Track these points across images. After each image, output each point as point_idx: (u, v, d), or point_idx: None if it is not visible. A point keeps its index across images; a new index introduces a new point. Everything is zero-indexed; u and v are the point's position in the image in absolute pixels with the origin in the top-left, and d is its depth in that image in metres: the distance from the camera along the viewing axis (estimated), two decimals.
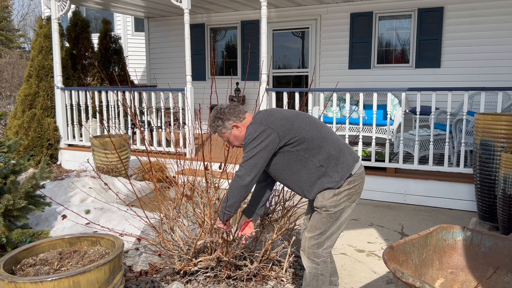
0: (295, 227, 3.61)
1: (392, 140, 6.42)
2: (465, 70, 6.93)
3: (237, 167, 4.26)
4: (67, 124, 7.36)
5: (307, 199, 2.64)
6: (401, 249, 2.08)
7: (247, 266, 3.02)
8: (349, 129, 6.57)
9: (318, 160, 2.40)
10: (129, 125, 7.19)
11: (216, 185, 3.45)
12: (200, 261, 3.08)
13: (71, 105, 7.30)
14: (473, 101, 6.32)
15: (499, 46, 6.68)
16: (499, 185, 3.93)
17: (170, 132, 6.96)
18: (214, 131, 2.58)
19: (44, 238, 3.37)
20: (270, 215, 3.23)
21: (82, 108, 7.15)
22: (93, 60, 8.61)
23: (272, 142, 2.37)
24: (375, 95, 5.30)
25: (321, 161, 2.40)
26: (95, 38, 9.13)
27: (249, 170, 2.39)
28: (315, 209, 2.49)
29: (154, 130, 6.58)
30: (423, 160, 5.67)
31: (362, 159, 5.47)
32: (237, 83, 8.66)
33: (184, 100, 6.45)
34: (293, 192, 3.42)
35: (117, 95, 6.95)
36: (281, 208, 3.30)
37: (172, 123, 6.63)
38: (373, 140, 5.39)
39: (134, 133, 7.47)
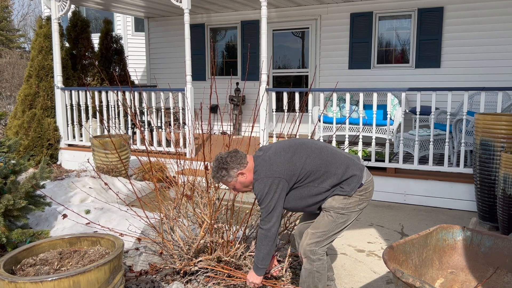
0: (295, 227, 3.61)
1: (392, 140, 6.42)
2: (465, 70, 6.93)
3: None
4: (67, 124, 7.36)
5: None
6: (401, 249, 2.08)
7: (247, 266, 3.02)
8: (349, 129, 6.57)
9: (328, 184, 2.48)
10: (129, 125, 7.19)
11: (216, 185, 3.45)
12: (200, 261, 3.08)
13: (71, 105, 7.30)
14: (473, 101, 6.32)
15: (499, 46, 6.68)
16: (499, 185, 3.93)
17: (170, 132, 6.96)
18: (219, 181, 2.57)
19: (44, 238, 3.37)
20: None
21: (82, 108, 7.15)
22: (93, 60, 8.61)
23: (283, 189, 2.44)
24: (375, 95, 5.30)
25: (331, 184, 2.49)
26: (95, 38, 9.13)
27: (272, 221, 2.45)
28: (323, 210, 2.54)
29: (154, 130, 6.58)
30: (423, 160, 5.67)
31: (362, 159, 5.46)
32: (237, 83, 8.65)
33: (184, 100, 6.45)
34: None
35: (117, 95, 6.95)
36: None
37: (172, 123, 6.64)
38: (373, 140, 5.39)
39: (134, 133, 7.47)
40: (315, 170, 2.46)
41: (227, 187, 2.68)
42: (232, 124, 8.71)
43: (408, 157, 5.87)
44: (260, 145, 5.90)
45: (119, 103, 6.95)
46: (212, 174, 2.58)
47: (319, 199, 2.52)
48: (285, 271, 3.25)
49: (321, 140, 5.89)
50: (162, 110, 6.79)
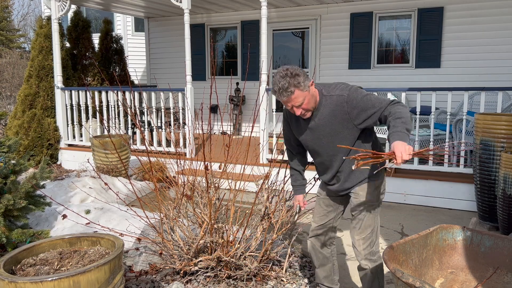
0: (295, 227, 3.61)
1: None
2: (465, 70, 6.93)
3: (237, 167, 4.25)
4: (67, 124, 7.36)
5: (331, 192, 2.57)
6: (401, 249, 2.08)
7: (247, 266, 3.02)
8: None
9: (375, 144, 2.42)
10: (129, 125, 7.19)
11: (216, 185, 3.45)
12: (200, 261, 3.08)
13: (71, 105, 7.30)
14: (473, 101, 6.32)
15: (499, 46, 6.68)
16: (499, 185, 3.93)
17: (170, 132, 6.96)
18: (292, 92, 2.16)
19: (44, 238, 3.37)
20: (270, 215, 3.23)
21: (82, 108, 7.15)
22: (94, 60, 8.61)
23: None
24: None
25: (375, 146, 2.41)
26: (95, 38, 9.13)
27: (394, 100, 2.22)
28: (358, 208, 2.42)
29: (154, 130, 6.58)
30: (423, 160, 5.67)
31: None
32: (237, 83, 8.65)
33: (184, 100, 6.45)
34: (293, 192, 3.42)
35: (117, 95, 6.95)
36: (281, 208, 3.30)
37: (172, 123, 6.63)
38: None
39: (134, 133, 7.47)
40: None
41: (227, 187, 2.67)
42: (232, 124, 8.72)
43: None
44: (260, 145, 5.90)
45: (119, 103, 6.95)
46: (282, 85, 2.16)
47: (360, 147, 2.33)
48: (285, 271, 3.25)
49: None
50: (162, 110, 6.79)
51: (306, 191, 2.87)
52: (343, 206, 2.66)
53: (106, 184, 3.59)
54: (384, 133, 6.22)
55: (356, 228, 2.46)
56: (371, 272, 2.48)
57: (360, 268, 2.51)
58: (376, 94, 2.37)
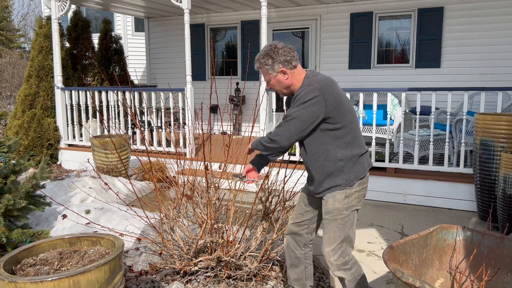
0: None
1: (392, 140, 6.42)
2: (465, 70, 6.93)
3: (237, 167, 4.25)
4: (67, 124, 7.36)
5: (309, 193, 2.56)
6: (401, 249, 2.08)
7: (247, 266, 3.02)
8: None
9: (341, 154, 2.33)
10: (129, 125, 7.20)
11: (216, 185, 3.45)
12: (200, 261, 3.08)
13: (71, 105, 7.30)
14: (473, 101, 6.32)
15: (499, 46, 6.68)
16: (499, 185, 3.93)
17: (170, 132, 6.96)
18: (258, 67, 2.41)
19: (44, 238, 3.37)
20: (270, 215, 3.24)
21: (82, 108, 7.15)
22: (94, 60, 8.61)
23: (320, 111, 2.24)
24: (375, 95, 5.30)
25: (343, 156, 2.33)
26: (95, 38, 9.13)
27: (289, 136, 2.29)
28: (326, 216, 2.40)
29: (154, 130, 6.58)
30: (423, 160, 5.67)
31: None
32: (237, 83, 8.65)
33: (184, 100, 6.45)
34: (293, 192, 3.42)
35: (117, 95, 6.95)
36: (281, 208, 3.30)
37: (172, 123, 6.63)
38: (373, 140, 5.39)
39: (134, 133, 7.47)
40: (345, 131, 2.31)
41: (227, 187, 2.66)
42: (232, 124, 8.72)
43: (408, 157, 5.87)
44: None
45: (119, 103, 6.95)
46: (257, 56, 2.38)
47: (319, 162, 2.36)
48: (285, 271, 3.25)
49: None
50: (162, 110, 6.79)
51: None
52: (319, 211, 2.59)
53: (106, 184, 3.59)
54: (384, 133, 6.22)
55: (325, 239, 2.41)
56: (348, 281, 2.42)
57: (339, 279, 2.46)
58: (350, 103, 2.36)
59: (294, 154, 5.78)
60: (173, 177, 3.95)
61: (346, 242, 2.39)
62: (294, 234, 2.68)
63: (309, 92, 2.25)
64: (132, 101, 6.89)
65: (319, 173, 2.40)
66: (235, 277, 3.10)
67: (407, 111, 6.24)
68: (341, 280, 2.46)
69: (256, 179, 2.65)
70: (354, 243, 2.46)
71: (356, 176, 2.36)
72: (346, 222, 2.37)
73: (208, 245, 3.11)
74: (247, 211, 3.25)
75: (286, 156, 5.41)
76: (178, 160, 3.59)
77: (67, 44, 8.51)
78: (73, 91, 7.22)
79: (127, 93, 6.80)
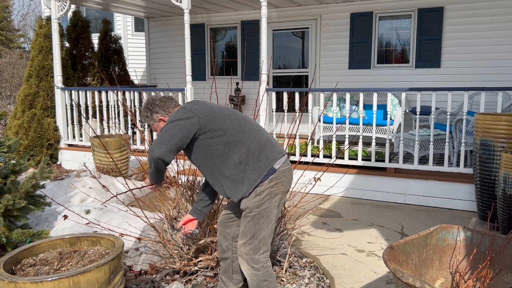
0: (295, 228, 3.61)
1: (392, 140, 6.42)
2: (465, 70, 6.93)
3: None
4: (67, 124, 7.36)
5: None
6: (401, 249, 2.08)
7: None
8: (349, 129, 6.57)
9: (237, 156, 2.37)
10: (129, 125, 7.20)
11: None
12: (200, 261, 3.08)
13: (71, 105, 7.30)
14: (473, 101, 6.32)
15: (499, 46, 6.68)
16: (499, 185, 3.93)
17: None
18: (144, 121, 2.64)
19: (44, 238, 3.37)
20: None
21: (82, 108, 7.15)
22: (93, 60, 8.61)
23: (192, 124, 2.37)
24: (375, 95, 5.30)
25: (241, 157, 2.37)
26: (95, 38, 9.14)
27: (161, 144, 2.39)
28: (243, 211, 2.45)
29: None
30: (423, 160, 5.67)
31: (362, 159, 5.47)
32: (237, 83, 8.65)
33: (184, 100, 6.45)
34: (293, 193, 3.42)
35: (117, 95, 6.95)
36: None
37: None
38: (373, 140, 5.39)
39: (134, 133, 7.47)
40: (230, 133, 2.38)
41: None
42: None
43: (408, 157, 5.87)
44: None
45: (119, 103, 6.95)
46: (140, 111, 2.64)
47: (224, 174, 2.42)
48: (285, 271, 3.25)
49: (321, 140, 5.89)
50: None
51: (307, 191, 2.87)
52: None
53: (103, 186, 3.59)
54: (384, 133, 6.22)
55: (239, 232, 2.50)
56: (251, 280, 2.44)
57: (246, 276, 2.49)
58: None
59: (294, 154, 5.79)
60: (173, 177, 3.95)
61: (259, 240, 2.42)
62: (223, 226, 2.73)
63: (179, 112, 2.44)
64: (132, 101, 6.89)
65: (228, 183, 2.45)
66: None
67: (407, 111, 6.25)
68: (247, 279, 2.49)
69: (193, 228, 2.75)
70: (269, 242, 2.47)
71: (260, 175, 2.36)
72: (258, 220, 2.40)
73: (208, 245, 3.11)
74: None
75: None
76: (178, 160, 3.59)
77: (67, 44, 8.51)
78: (73, 91, 7.22)
79: (127, 93, 6.80)
